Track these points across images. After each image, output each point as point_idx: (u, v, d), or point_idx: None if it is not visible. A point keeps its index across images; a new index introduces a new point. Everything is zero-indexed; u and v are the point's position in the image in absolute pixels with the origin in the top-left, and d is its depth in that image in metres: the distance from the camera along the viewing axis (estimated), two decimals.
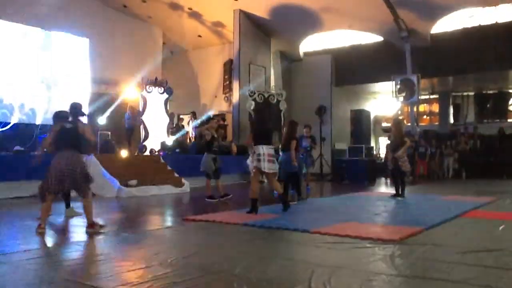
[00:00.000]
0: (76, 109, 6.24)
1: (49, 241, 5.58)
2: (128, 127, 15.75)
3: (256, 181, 7.51)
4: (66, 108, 6.42)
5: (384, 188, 13.57)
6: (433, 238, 5.19)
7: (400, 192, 9.72)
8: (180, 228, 6.29)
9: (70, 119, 6.12)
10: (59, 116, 6.54)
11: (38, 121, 12.55)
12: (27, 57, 12.56)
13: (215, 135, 9.67)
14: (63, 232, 6.28)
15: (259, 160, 7.24)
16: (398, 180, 9.86)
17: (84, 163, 5.97)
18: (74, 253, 4.66)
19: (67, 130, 5.89)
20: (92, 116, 13.47)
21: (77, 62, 13.89)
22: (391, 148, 9.92)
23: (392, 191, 10.25)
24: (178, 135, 16.46)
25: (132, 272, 3.86)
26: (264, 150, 7.25)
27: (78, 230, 6.41)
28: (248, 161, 7.48)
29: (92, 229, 5.74)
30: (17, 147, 11.08)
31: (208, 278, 3.61)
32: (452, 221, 6.57)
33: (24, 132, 12.01)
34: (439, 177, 17.89)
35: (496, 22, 17.78)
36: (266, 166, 7.22)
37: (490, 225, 6.29)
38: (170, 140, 15.93)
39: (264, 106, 16.20)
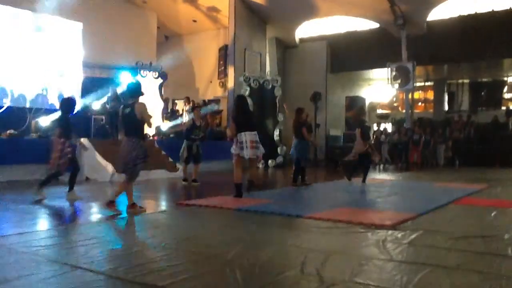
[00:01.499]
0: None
1: (43, 224, 5.58)
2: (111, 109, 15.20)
3: (238, 167, 7.54)
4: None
5: (378, 174, 13.62)
6: (426, 224, 5.23)
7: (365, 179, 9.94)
8: (173, 213, 6.30)
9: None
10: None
11: (31, 105, 12.45)
12: (19, 40, 12.41)
13: (197, 124, 9.92)
14: (57, 216, 6.28)
15: (241, 148, 7.32)
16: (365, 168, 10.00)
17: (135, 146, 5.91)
18: (68, 237, 4.66)
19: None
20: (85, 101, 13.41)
21: (70, 46, 13.74)
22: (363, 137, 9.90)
23: (382, 176, 10.31)
24: (173, 123, 16.36)
25: (126, 256, 3.87)
26: (247, 137, 7.30)
27: (71, 214, 6.42)
28: (232, 149, 7.46)
29: (133, 209, 5.90)
30: (11, 131, 11.03)
31: (200, 262, 3.63)
32: (445, 208, 6.62)
33: (17, 115, 11.91)
34: (433, 165, 17.97)
35: (492, 10, 17.75)
36: (247, 153, 7.30)
37: (482, 212, 6.34)
38: (164, 125, 15.89)
39: (262, 93, 16.16)
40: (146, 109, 5.98)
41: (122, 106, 6.24)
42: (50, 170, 7.30)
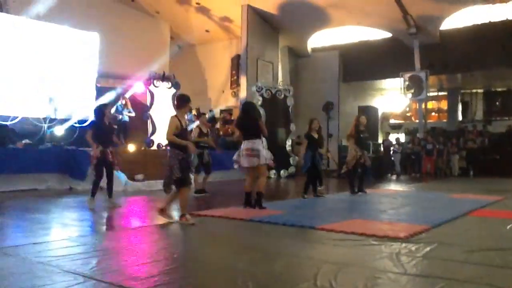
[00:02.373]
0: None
1: (57, 234, 5.61)
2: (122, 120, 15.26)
3: (247, 175, 7.51)
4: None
5: (391, 185, 13.51)
6: (440, 237, 5.16)
7: (362, 188, 9.94)
8: (185, 223, 6.29)
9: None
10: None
11: (46, 115, 12.58)
12: (35, 51, 12.58)
13: (204, 131, 9.68)
14: (70, 226, 6.31)
15: (239, 155, 7.28)
16: (358, 177, 9.98)
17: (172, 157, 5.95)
18: (81, 247, 4.67)
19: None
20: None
21: (86, 56, 13.89)
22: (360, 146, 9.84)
23: (395, 187, 10.21)
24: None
25: (138, 267, 3.87)
26: (244, 145, 7.20)
27: (85, 224, 6.46)
28: (234, 157, 7.43)
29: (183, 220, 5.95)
30: (26, 141, 11.16)
31: (213, 273, 3.62)
32: (459, 220, 6.53)
33: (31, 126, 12.04)
34: (446, 175, 17.80)
35: (507, 18, 17.62)
36: (244, 162, 7.21)
37: (497, 224, 6.25)
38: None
39: (275, 103, 16.15)
40: (170, 121, 6.07)
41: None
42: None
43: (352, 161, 9.70)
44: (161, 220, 6.45)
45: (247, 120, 7.36)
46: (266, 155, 7.22)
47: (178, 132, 5.94)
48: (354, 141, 9.74)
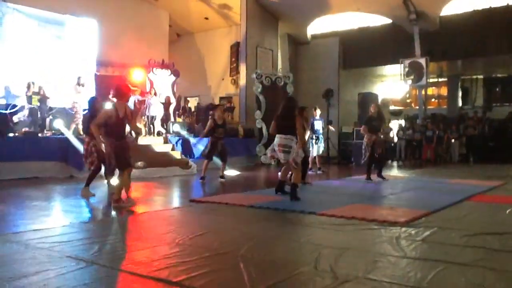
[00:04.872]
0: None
1: (59, 220, 5.64)
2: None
3: (283, 166, 7.42)
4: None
5: (391, 171, 13.54)
6: (439, 221, 5.19)
7: (381, 174, 10.12)
8: (187, 209, 6.33)
9: None
10: None
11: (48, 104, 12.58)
12: (34, 39, 12.54)
13: (219, 122, 9.80)
14: (72, 212, 6.34)
15: (274, 150, 7.20)
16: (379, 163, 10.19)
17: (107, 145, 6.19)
18: (83, 232, 4.71)
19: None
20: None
21: (85, 44, 13.84)
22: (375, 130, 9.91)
23: (395, 173, 10.24)
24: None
25: (140, 252, 3.90)
26: (276, 140, 7.12)
27: (86, 210, 6.49)
28: (268, 153, 7.41)
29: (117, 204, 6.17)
30: (26, 129, 11.17)
31: (214, 258, 3.64)
32: (459, 205, 6.56)
33: (33, 114, 12.04)
34: (446, 161, 17.82)
35: (508, 4, 17.51)
36: (279, 156, 7.12)
37: (496, 209, 6.28)
38: (177, 122, 15.96)
39: (274, 90, 16.13)
40: (103, 112, 6.33)
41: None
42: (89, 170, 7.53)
43: (367, 146, 9.80)
44: (164, 205, 6.49)
45: (287, 116, 7.18)
46: (296, 154, 7.04)
47: (112, 122, 6.07)
48: (367, 129, 9.89)
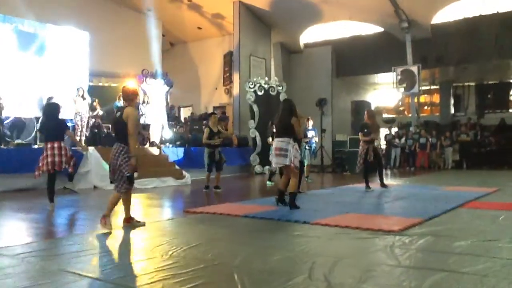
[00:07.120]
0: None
1: (52, 233, 5.61)
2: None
3: (283, 174, 7.36)
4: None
5: (385, 179, 13.55)
6: (433, 229, 5.20)
7: (383, 183, 10.07)
8: (181, 220, 6.31)
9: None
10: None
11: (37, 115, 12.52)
12: (25, 50, 12.52)
13: (215, 130, 9.82)
14: (65, 225, 6.32)
15: (271, 155, 7.17)
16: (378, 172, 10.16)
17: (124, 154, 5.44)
18: (75, 246, 4.68)
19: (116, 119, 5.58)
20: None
21: (77, 55, 13.83)
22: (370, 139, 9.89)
23: (389, 181, 10.25)
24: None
25: (134, 264, 3.88)
26: (274, 144, 7.10)
27: (79, 223, 6.45)
28: (270, 157, 7.35)
29: (129, 223, 5.59)
30: (18, 140, 11.12)
31: (209, 270, 3.63)
32: (453, 212, 6.59)
33: (24, 126, 12.00)
34: (440, 168, 17.90)
35: (497, 11, 17.70)
36: (273, 161, 7.09)
37: (490, 215, 6.30)
38: (170, 133, 15.94)
39: (268, 99, 16.15)
40: (133, 113, 5.45)
41: (116, 110, 6.14)
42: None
43: (361, 155, 9.77)
44: (157, 217, 6.46)
45: (283, 117, 7.08)
46: (294, 156, 6.87)
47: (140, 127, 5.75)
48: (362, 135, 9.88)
